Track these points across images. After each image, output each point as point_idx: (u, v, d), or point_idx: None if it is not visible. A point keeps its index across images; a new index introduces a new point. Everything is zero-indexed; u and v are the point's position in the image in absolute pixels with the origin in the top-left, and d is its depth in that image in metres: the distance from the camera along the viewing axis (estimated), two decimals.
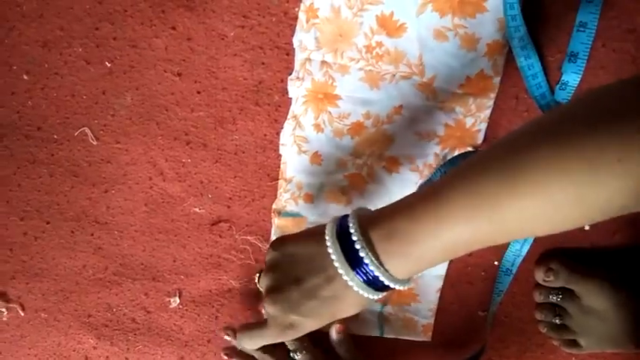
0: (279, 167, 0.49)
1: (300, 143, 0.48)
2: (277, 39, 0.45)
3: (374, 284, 0.35)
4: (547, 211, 0.29)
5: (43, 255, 0.52)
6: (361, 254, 0.34)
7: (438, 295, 0.53)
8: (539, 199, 0.29)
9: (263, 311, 0.51)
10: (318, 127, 0.47)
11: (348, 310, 0.38)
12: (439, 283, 0.52)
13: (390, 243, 0.34)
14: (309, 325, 0.38)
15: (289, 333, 0.39)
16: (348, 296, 0.36)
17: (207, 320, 0.55)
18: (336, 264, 0.35)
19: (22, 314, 0.55)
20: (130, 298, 0.54)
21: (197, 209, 0.51)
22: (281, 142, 0.48)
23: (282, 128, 0.48)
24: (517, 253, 0.51)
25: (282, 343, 0.49)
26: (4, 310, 0.54)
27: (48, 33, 0.45)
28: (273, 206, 0.50)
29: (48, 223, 0.51)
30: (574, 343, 0.53)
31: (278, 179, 0.50)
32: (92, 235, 0.52)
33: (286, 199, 0.50)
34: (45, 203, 0.50)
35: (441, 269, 0.52)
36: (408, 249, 0.33)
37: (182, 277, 0.53)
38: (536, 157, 0.29)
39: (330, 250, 0.35)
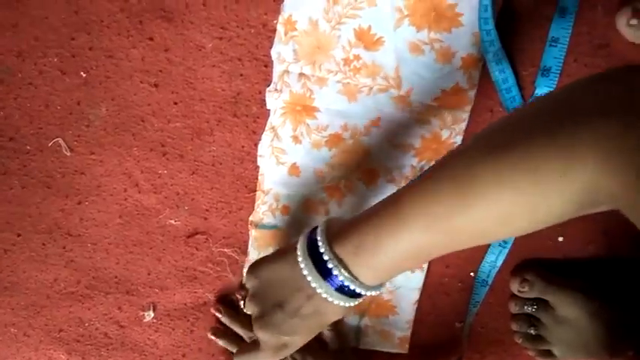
0: (256, 179, 0.49)
1: (278, 155, 0.48)
2: (256, 51, 0.45)
3: (348, 293, 0.36)
4: (497, 221, 0.30)
5: (13, 268, 0.51)
6: (330, 266, 0.35)
7: (415, 307, 0.53)
8: (489, 211, 0.30)
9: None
10: (296, 139, 0.47)
11: (332, 318, 0.39)
12: (416, 296, 0.53)
13: (357, 255, 0.35)
14: (300, 341, 0.40)
15: (283, 352, 0.41)
16: (328, 308, 0.37)
17: (182, 334, 0.54)
18: (310, 281, 0.36)
19: None
20: (103, 312, 0.53)
21: (173, 221, 0.50)
22: (259, 153, 0.48)
23: (260, 140, 0.48)
24: (492, 264, 0.52)
25: None
26: None
27: (22, 42, 0.44)
28: (251, 218, 0.50)
29: (19, 235, 0.50)
30: (549, 354, 0.53)
31: (255, 191, 0.49)
32: (64, 247, 0.50)
33: (264, 211, 0.49)
34: (16, 215, 0.49)
35: (418, 281, 0.52)
36: (374, 259, 0.35)
37: (157, 290, 0.52)
38: (485, 170, 0.30)
39: (302, 267, 0.36)
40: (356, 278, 0.35)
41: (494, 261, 0.52)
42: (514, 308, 0.53)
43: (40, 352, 0.54)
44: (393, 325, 0.53)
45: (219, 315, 0.52)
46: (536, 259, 0.52)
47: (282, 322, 0.38)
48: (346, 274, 0.35)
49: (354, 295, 0.36)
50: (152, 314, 0.53)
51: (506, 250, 0.51)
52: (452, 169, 0.32)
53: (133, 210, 0.49)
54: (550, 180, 0.28)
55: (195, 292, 0.53)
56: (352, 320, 0.53)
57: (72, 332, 0.53)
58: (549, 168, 0.28)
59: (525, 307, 0.52)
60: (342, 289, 0.36)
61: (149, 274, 0.52)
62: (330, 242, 0.36)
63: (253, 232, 0.50)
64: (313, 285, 0.36)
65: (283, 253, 0.40)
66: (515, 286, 0.52)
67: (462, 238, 0.33)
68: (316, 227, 0.38)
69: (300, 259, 0.37)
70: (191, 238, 0.51)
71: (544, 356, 0.54)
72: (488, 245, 0.52)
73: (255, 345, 0.42)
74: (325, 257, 0.35)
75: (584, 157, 0.27)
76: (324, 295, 0.36)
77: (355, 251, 0.35)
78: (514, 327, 0.54)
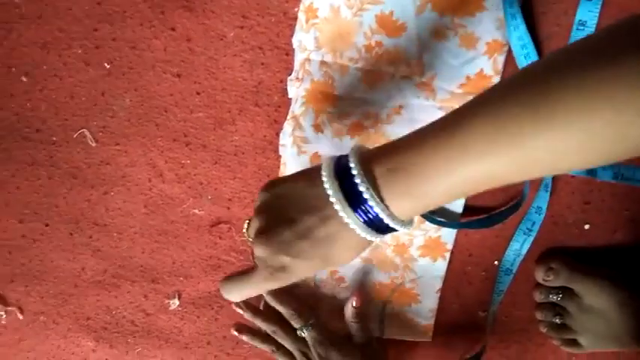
0: (278, 168, 0.49)
1: (300, 144, 0.48)
2: (277, 39, 0.45)
3: (374, 224, 0.32)
4: (581, 144, 0.26)
5: (41, 257, 0.52)
6: (361, 189, 0.31)
7: (438, 295, 0.53)
8: (574, 130, 0.26)
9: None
10: (317, 128, 0.47)
11: (343, 254, 0.34)
12: (439, 284, 0.52)
13: (395, 179, 0.30)
14: (301, 268, 0.35)
15: (280, 277, 0.35)
16: (344, 237, 0.33)
17: (206, 322, 0.55)
18: (334, 202, 0.31)
19: (21, 317, 0.54)
20: (130, 301, 0.54)
21: (196, 211, 0.51)
22: (280, 142, 0.48)
23: (281, 129, 0.48)
24: (517, 252, 0.51)
25: (288, 322, 0.50)
26: (2, 313, 0.54)
27: (47, 34, 0.45)
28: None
29: (47, 225, 0.51)
30: (574, 343, 0.53)
31: None
32: (91, 237, 0.51)
33: None
34: (44, 205, 0.50)
35: (441, 270, 0.52)
36: (414, 185, 0.30)
37: (181, 278, 0.53)
38: (577, 81, 0.25)
39: (326, 187, 0.32)
40: (388, 208, 0.31)
41: (518, 249, 0.51)
42: (539, 297, 0.52)
43: (69, 339, 0.55)
44: (416, 314, 0.53)
45: (240, 311, 0.52)
46: (561, 248, 0.52)
47: (287, 241, 0.33)
48: (376, 196, 0.31)
49: (378, 225, 0.32)
50: (177, 302, 0.54)
51: (531, 239, 0.51)
52: (531, 82, 0.27)
53: (157, 200, 0.50)
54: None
55: (219, 281, 0.53)
56: (375, 309, 0.53)
57: (99, 320, 0.54)
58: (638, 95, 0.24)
59: (550, 296, 0.52)
60: (368, 216, 0.31)
61: (174, 263, 0.52)
62: (364, 161, 0.31)
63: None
64: (334, 204, 0.31)
65: (305, 172, 0.35)
66: (540, 275, 0.51)
67: (529, 168, 0.28)
68: (343, 154, 0.33)
69: (325, 179, 0.32)
70: (214, 228, 0.51)
71: (569, 345, 0.53)
72: (513, 233, 0.51)
73: (248, 269, 0.37)
74: (355, 174, 0.31)
75: None
76: (342, 216, 0.31)
77: (395, 173, 0.30)
78: (539, 316, 0.53)
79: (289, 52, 0.45)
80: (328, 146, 0.48)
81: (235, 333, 0.52)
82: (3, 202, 0.50)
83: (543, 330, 0.53)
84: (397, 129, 0.47)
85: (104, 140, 0.48)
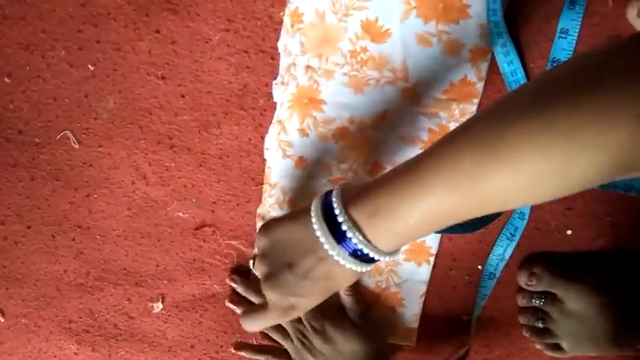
0: (263, 172, 0.49)
1: (285, 148, 0.48)
2: (262, 43, 0.45)
3: (361, 258, 0.35)
4: (525, 185, 0.29)
5: (23, 260, 0.52)
6: (344, 228, 0.34)
7: (422, 299, 0.53)
8: (516, 175, 0.29)
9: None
10: (302, 132, 0.47)
11: (343, 284, 0.38)
12: (423, 288, 0.53)
13: (374, 220, 0.34)
14: (308, 303, 0.39)
15: (291, 313, 0.40)
16: (339, 272, 0.37)
17: (190, 325, 0.55)
18: (324, 243, 0.35)
19: (2, 320, 0.54)
20: (112, 304, 0.53)
21: (181, 214, 0.50)
22: (265, 146, 0.48)
23: (266, 132, 0.48)
24: (500, 257, 0.52)
25: None
26: None
27: (30, 35, 0.44)
28: (258, 211, 0.50)
29: (29, 227, 0.50)
30: (557, 347, 0.53)
31: (262, 184, 0.49)
32: (74, 239, 0.51)
33: (271, 203, 0.49)
34: (26, 207, 0.50)
35: (425, 274, 0.52)
36: (391, 225, 0.33)
37: (165, 282, 0.53)
38: (512, 133, 0.28)
39: (315, 229, 0.35)
40: (370, 242, 0.34)
41: (502, 254, 0.51)
42: (522, 301, 0.53)
43: (51, 342, 0.55)
44: (400, 318, 0.54)
45: (234, 285, 0.52)
46: (544, 253, 0.52)
47: (291, 283, 0.38)
48: (360, 237, 0.34)
49: (367, 260, 0.35)
50: (161, 306, 0.53)
51: (514, 243, 0.51)
52: (475, 131, 0.30)
53: (141, 202, 0.50)
54: (584, 141, 0.26)
55: (204, 284, 0.53)
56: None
57: (82, 323, 0.54)
58: (584, 128, 0.26)
59: (533, 301, 0.52)
60: (356, 254, 0.35)
61: (157, 266, 0.52)
62: (346, 205, 0.35)
63: (260, 225, 0.51)
64: (326, 247, 0.35)
65: (296, 214, 0.39)
66: (523, 279, 0.52)
67: (485, 204, 0.31)
68: (331, 191, 0.37)
69: (313, 220, 0.36)
70: (199, 231, 0.51)
71: (552, 349, 0.54)
72: (496, 238, 0.51)
73: (263, 306, 0.42)
74: (340, 219, 0.34)
75: (620, 117, 0.26)
76: (336, 259, 0.35)
77: (371, 215, 0.34)
78: (522, 320, 0.54)
79: (275, 56, 0.45)
80: (313, 151, 0.48)
81: (229, 304, 0.53)
82: None
83: (526, 334, 0.54)
84: (382, 134, 0.47)
85: (87, 142, 0.48)
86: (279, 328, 0.52)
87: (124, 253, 0.51)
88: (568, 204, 0.50)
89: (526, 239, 0.51)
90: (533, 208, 0.50)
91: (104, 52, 0.45)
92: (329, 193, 0.36)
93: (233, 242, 0.52)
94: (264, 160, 0.49)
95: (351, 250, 0.35)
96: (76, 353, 0.55)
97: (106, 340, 0.55)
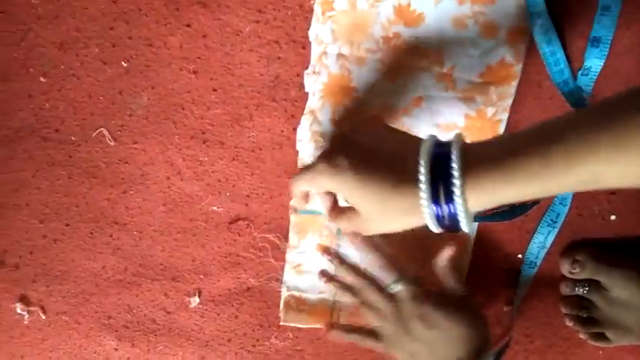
0: (296, 163, 0.49)
1: (318, 138, 0.47)
2: (293, 33, 0.44)
3: (443, 219, 0.34)
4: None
5: (62, 257, 0.52)
6: (454, 189, 0.32)
7: None
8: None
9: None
10: (335, 122, 0.47)
11: (396, 221, 0.36)
12: None
13: (486, 178, 0.32)
14: (352, 187, 0.36)
15: (337, 176, 0.36)
16: (407, 212, 0.35)
17: (227, 319, 0.55)
18: (421, 189, 0.33)
19: (43, 317, 0.55)
20: (150, 299, 0.54)
21: (215, 208, 0.50)
22: (298, 137, 0.48)
23: (299, 123, 0.47)
24: (541, 245, 0.50)
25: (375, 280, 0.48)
26: (25, 313, 0.54)
27: (64, 34, 0.45)
28: (291, 203, 0.50)
29: (67, 225, 0.51)
30: (601, 337, 0.52)
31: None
32: (111, 236, 0.51)
33: None
34: (64, 205, 0.50)
35: (464, 264, 0.51)
36: (501, 187, 0.32)
37: (201, 276, 0.53)
38: None
39: (421, 171, 0.33)
40: (466, 201, 0.32)
41: (543, 242, 0.50)
42: (564, 290, 0.51)
43: (91, 338, 0.56)
44: None
45: (327, 258, 0.51)
46: (587, 239, 0.51)
47: (357, 163, 0.35)
48: (463, 201, 0.32)
49: (448, 223, 0.34)
50: (197, 300, 0.54)
51: (556, 230, 0.50)
52: (605, 118, 0.30)
53: (176, 198, 0.50)
54: None
55: (239, 278, 0.53)
56: None
57: (120, 319, 0.55)
58: None
59: (576, 289, 0.51)
60: (443, 213, 0.33)
61: (193, 261, 0.52)
62: (464, 158, 0.32)
63: (294, 218, 0.50)
64: (421, 187, 0.33)
65: (404, 137, 0.37)
66: (565, 268, 0.50)
67: (601, 179, 0.30)
68: (444, 142, 0.34)
69: (421, 164, 0.33)
70: (233, 224, 0.51)
71: (597, 339, 0.52)
72: (537, 225, 0.50)
73: (313, 164, 0.39)
74: (455, 182, 0.32)
75: None
76: (421, 203, 0.33)
77: (488, 173, 0.32)
78: (564, 309, 0.52)
79: (306, 46, 0.45)
80: None
81: (321, 278, 0.51)
82: (24, 203, 0.50)
83: (569, 324, 0.52)
84: (416, 121, 0.46)
85: (122, 139, 0.48)
86: (376, 309, 0.49)
87: (161, 248, 0.52)
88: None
89: (568, 226, 0.50)
90: (576, 194, 0.49)
91: (136, 48, 0.45)
92: (443, 144, 0.34)
93: (267, 235, 0.52)
94: (297, 151, 0.48)
95: (439, 205, 0.33)
96: (115, 349, 0.56)
97: (145, 335, 0.55)
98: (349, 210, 0.39)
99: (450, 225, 0.34)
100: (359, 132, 0.38)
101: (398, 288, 0.47)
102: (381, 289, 0.48)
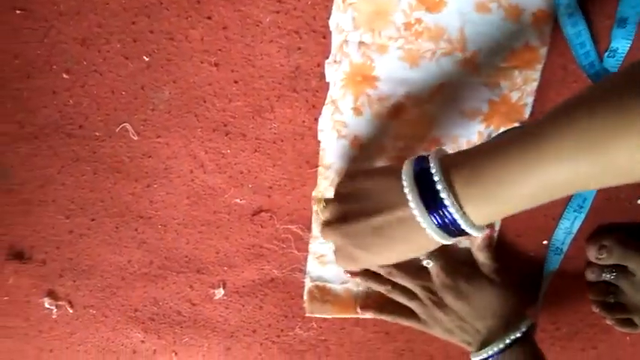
0: (318, 154, 0.49)
1: (340, 128, 0.47)
2: (313, 22, 0.44)
3: (449, 229, 0.34)
4: None
5: (89, 252, 0.53)
6: (442, 196, 0.33)
7: None
8: None
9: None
10: (357, 111, 0.46)
11: (415, 252, 0.37)
12: None
13: (475, 185, 0.32)
14: (370, 260, 0.38)
15: (350, 264, 0.39)
16: (417, 239, 0.35)
17: (251, 310, 0.55)
18: (412, 207, 0.34)
19: (71, 311, 0.56)
20: (176, 291, 0.54)
21: (238, 200, 0.51)
22: (319, 128, 0.48)
23: (320, 114, 0.47)
24: (568, 230, 0.50)
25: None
26: (53, 307, 0.55)
27: (86, 30, 0.45)
28: (313, 194, 0.50)
29: (93, 220, 0.52)
30: (629, 322, 0.51)
31: (317, 166, 0.49)
32: (136, 230, 0.52)
33: (325, 186, 0.49)
34: (89, 200, 0.51)
35: None
36: (494, 192, 0.32)
37: (225, 268, 0.53)
38: None
39: (406, 190, 0.34)
40: (464, 213, 0.33)
41: (569, 227, 0.49)
42: (591, 276, 0.51)
43: (118, 331, 0.56)
44: None
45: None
46: (614, 224, 0.50)
47: (359, 234, 0.37)
48: (457, 207, 0.32)
49: (453, 229, 0.34)
50: (222, 292, 0.54)
51: (583, 216, 0.49)
52: (610, 95, 0.28)
53: (199, 190, 0.50)
54: None
55: (263, 269, 0.53)
56: None
57: (147, 311, 0.55)
58: None
59: (603, 275, 0.50)
60: (444, 221, 0.33)
61: (218, 253, 0.53)
62: (445, 167, 0.33)
63: (316, 208, 0.50)
64: (414, 212, 0.33)
65: (386, 170, 0.38)
66: (592, 253, 0.50)
67: (611, 172, 0.29)
68: (422, 155, 0.35)
69: (405, 183, 0.34)
70: (256, 216, 0.51)
71: (624, 325, 0.52)
72: (563, 211, 0.49)
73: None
74: (438, 186, 0.32)
75: None
76: (419, 220, 0.34)
77: (474, 183, 0.32)
78: (591, 296, 0.52)
79: (326, 35, 0.45)
80: (368, 129, 0.47)
81: (347, 275, 0.51)
82: (50, 199, 0.51)
83: (596, 310, 0.52)
84: (440, 108, 0.46)
85: (146, 133, 0.48)
86: (403, 289, 0.50)
87: (185, 241, 0.52)
88: None
89: (594, 211, 0.49)
90: None
91: (158, 42, 0.45)
92: (422, 158, 0.35)
93: (290, 226, 0.52)
94: (319, 141, 0.48)
95: (439, 216, 0.33)
96: (142, 341, 0.56)
97: (171, 327, 0.56)
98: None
99: (458, 231, 0.34)
100: (344, 199, 0.39)
101: (430, 264, 0.47)
102: (409, 269, 0.48)
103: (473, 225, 0.33)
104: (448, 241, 0.35)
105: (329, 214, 0.39)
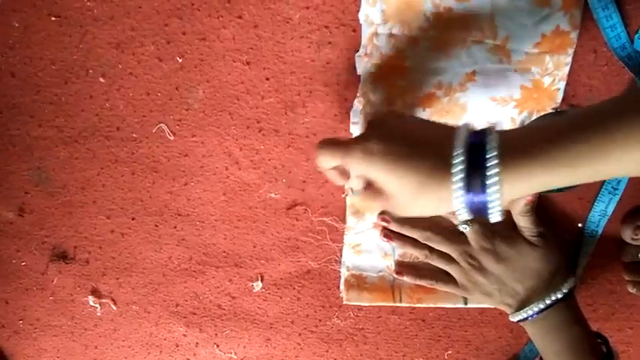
0: None
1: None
2: (343, 16, 0.45)
3: (475, 210, 0.33)
4: None
5: (130, 250, 0.55)
6: (489, 180, 0.32)
7: None
8: None
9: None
10: (388, 102, 0.47)
11: (427, 207, 0.35)
12: None
13: (522, 167, 0.32)
14: (384, 172, 0.35)
15: (374, 199, 0.37)
16: (440, 199, 0.34)
17: (289, 302, 0.56)
18: (455, 180, 0.33)
19: (115, 308, 0.57)
20: (215, 286, 0.56)
21: (273, 195, 0.52)
22: (351, 121, 0.48)
23: (352, 107, 0.48)
24: (602, 213, 0.50)
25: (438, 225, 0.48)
26: (97, 305, 0.57)
27: (120, 34, 0.46)
28: (346, 186, 0.51)
29: (133, 219, 0.53)
30: None
31: None
32: (175, 227, 0.53)
33: None
34: (129, 200, 0.52)
35: None
36: (536, 175, 0.31)
37: (263, 261, 0.54)
38: None
39: (454, 162, 0.33)
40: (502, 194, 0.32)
41: (604, 209, 0.49)
42: (626, 257, 0.51)
43: (160, 326, 0.58)
44: None
45: (384, 223, 0.51)
46: None
47: (393, 151, 0.35)
48: (498, 194, 0.32)
49: (477, 211, 0.33)
50: (260, 284, 0.55)
51: (617, 197, 0.49)
52: None
53: (235, 187, 0.51)
54: None
55: (299, 262, 0.54)
56: None
57: (188, 306, 0.57)
58: None
59: (639, 255, 0.50)
60: (474, 202, 0.32)
61: (254, 247, 0.54)
62: (501, 151, 0.32)
63: (349, 199, 0.51)
64: (454, 187, 0.32)
65: (437, 125, 0.36)
66: (627, 234, 0.50)
67: None
68: (480, 130, 0.34)
69: (456, 151, 0.33)
70: (291, 210, 0.52)
71: None
72: (597, 194, 0.49)
73: (348, 141, 0.38)
74: (490, 171, 0.31)
75: None
76: (453, 189, 0.33)
77: (526, 162, 0.31)
78: (627, 276, 0.52)
79: (356, 29, 0.45)
80: None
81: (383, 239, 0.51)
82: (91, 200, 0.52)
83: (632, 290, 0.52)
84: (471, 96, 0.46)
85: (181, 133, 0.49)
86: (441, 254, 0.50)
87: (223, 236, 0.53)
88: None
89: (628, 192, 0.49)
90: None
91: (190, 43, 0.46)
92: (478, 133, 0.34)
93: (324, 219, 0.53)
94: (351, 134, 0.49)
95: (473, 202, 0.32)
96: (184, 335, 0.58)
97: (212, 321, 0.57)
98: (377, 192, 0.38)
99: (480, 214, 0.34)
100: (394, 117, 0.38)
101: (467, 228, 0.47)
102: (446, 233, 0.48)
103: (501, 208, 0.33)
104: (466, 217, 0.34)
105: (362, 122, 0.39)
